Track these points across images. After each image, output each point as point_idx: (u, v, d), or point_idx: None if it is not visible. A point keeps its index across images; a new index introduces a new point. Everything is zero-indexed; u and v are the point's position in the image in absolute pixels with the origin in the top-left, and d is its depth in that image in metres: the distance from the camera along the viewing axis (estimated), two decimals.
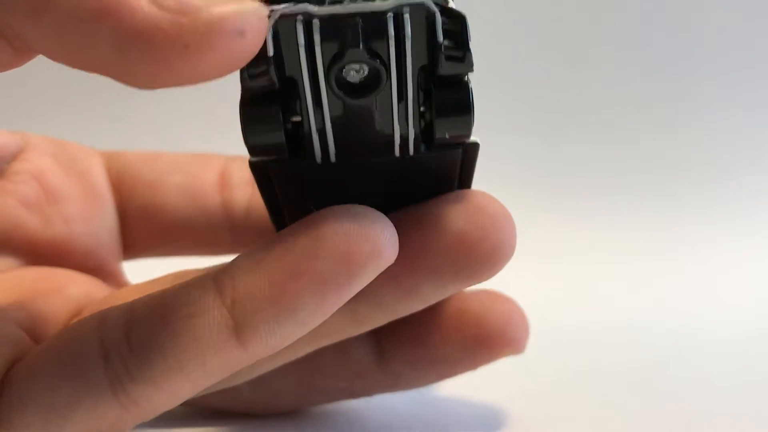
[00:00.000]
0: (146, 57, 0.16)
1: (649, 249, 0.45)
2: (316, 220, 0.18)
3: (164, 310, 0.19)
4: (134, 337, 0.19)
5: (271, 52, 0.17)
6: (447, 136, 0.19)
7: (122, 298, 0.22)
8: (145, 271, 0.29)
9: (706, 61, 0.49)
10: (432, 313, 0.26)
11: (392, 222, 0.19)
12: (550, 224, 0.45)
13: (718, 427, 0.27)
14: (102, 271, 0.27)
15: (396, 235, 0.19)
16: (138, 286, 0.24)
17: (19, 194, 0.26)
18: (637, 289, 0.40)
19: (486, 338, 0.25)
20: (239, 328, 0.18)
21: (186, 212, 0.28)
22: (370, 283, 0.18)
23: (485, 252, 0.20)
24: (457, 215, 0.20)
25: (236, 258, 0.19)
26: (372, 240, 0.18)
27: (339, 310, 0.18)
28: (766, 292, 0.40)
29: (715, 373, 0.31)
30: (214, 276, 0.19)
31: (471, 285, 0.21)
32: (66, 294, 0.24)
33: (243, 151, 0.20)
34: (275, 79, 0.18)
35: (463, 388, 0.30)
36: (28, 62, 0.18)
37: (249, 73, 0.17)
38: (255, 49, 0.16)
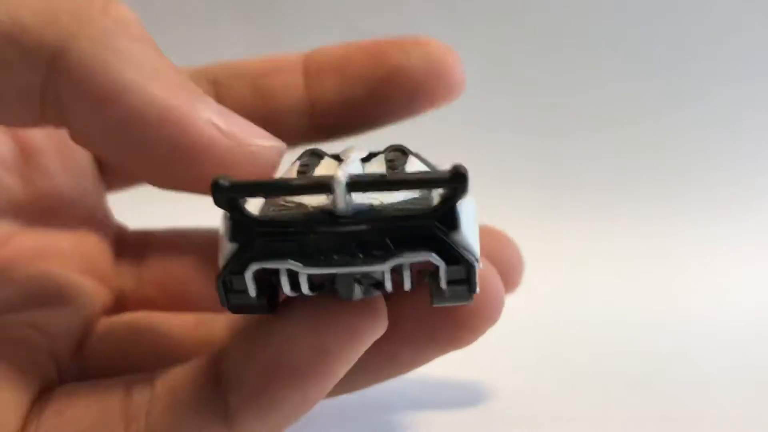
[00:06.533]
0: (193, 166, 0.18)
1: (649, 249, 0.45)
2: (293, 307, 0.18)
3: (173, 397, 0.19)
4: (151, 419, 0.19)
5: (253, 293, 0.17)
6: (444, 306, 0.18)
7: (134, 328, 0.24)
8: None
9: (707, 64, 0.49)
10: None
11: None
12: (551, 224, 0.45)
13: (718, 427, 0.27)
14: (92, 221, 0.27)
15: (383, 305, 0.18)
16: (150, 316, 0.25)
17: None
18: (638, 289, 0.40)
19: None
20: (230, 419, 0.18)
21: None
22: None
23: (462, 316, 0.20)
24: None
25: (233, 343, 0.19)
26: (344, 324, 0.17)
27: None
28: (766, 293, 0.40)
29: (715, 373, 0.31)
30: (217, 358, 0.19)
31: (454, 350, 0.20)
32: (72, 305, 0.24)
33: None
34: (257, 302, 0.17)
35: (463, 387, 0.30)
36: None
37: (230, 298, 0.17)
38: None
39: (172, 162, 0.18)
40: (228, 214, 0.17)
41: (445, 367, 0.31)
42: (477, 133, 0.47)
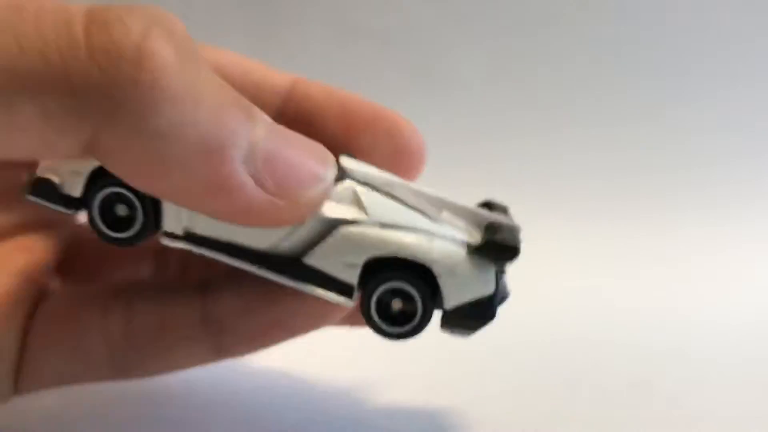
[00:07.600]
0: (244, 221, 0.19)
1: (649, 250, 0.45)
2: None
3: (163, 325, 0.23)
4: (135, 341, 0.23)
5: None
6: None
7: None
8: None
9: (708, 64, 0.49)
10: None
11: None
12: (552, 225, 0.45)
13: (718, 427, 0.27)
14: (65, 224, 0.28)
15: None
16: None
17: None
18: (638, 289, 0.40)
19: None
20: (219, 351, 0.24)
21: None
22: None
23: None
24: None
25: (228, 292, 0.23)
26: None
27: None
28: (766, 294, 0.40)
29: (715, 373, 0.31)
30: (203, 296, 0.23)
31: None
32: (52, 231, 0.26)
33: None
34: None
35: (463, 385, 0.30)
36: None
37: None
38: None
39: (229, 220, 0.20)
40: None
41: (444, 365, 0.31)
42: (476, 133, 0.47)
